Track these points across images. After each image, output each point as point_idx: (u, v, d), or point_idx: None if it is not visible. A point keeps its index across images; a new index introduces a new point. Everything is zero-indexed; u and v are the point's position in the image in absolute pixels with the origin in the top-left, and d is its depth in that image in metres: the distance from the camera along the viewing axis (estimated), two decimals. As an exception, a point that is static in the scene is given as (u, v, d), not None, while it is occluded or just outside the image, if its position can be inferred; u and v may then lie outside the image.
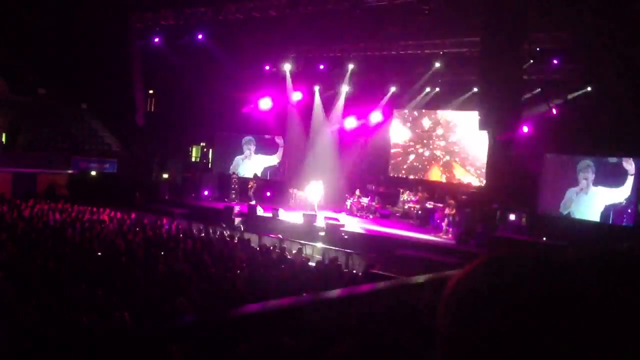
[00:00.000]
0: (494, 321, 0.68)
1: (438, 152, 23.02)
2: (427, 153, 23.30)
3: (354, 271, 13.88)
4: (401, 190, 21.78)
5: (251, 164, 24.96)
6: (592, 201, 17.60)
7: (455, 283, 0.76)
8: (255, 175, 23.52)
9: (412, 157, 23.71)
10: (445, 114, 22.84)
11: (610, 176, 17.36)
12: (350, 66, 22.29)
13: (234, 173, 24.02)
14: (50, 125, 24.60)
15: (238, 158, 25.23)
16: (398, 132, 24.22)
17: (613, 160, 17.43)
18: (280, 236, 16.88)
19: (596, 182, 17.59)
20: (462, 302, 0.73)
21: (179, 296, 8.22)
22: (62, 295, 8.15)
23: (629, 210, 16.74)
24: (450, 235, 17.48)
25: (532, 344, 0.65)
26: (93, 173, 23.94)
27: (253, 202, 21.21)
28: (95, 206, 17.94)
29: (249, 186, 22.58)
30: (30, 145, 22.97)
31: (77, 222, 15.18)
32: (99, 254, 11.57)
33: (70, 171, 23.38)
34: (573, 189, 18.00)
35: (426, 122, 23.51)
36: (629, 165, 16.93)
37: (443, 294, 0.77)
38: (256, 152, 25.12)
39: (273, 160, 24.99)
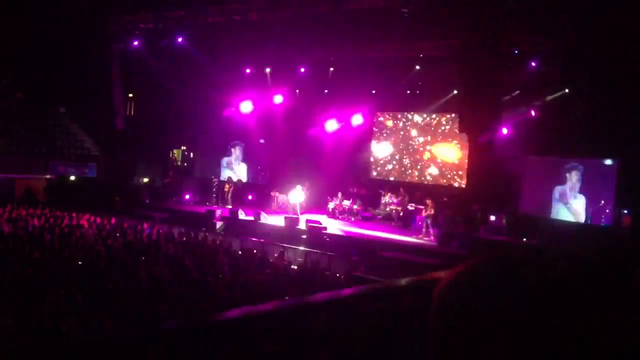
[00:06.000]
0: (485, 323, 0.68)
1: (419, 154, 23.13)
2: (408, 155, 23.39)
3: (337, 274, 13.89)
4: (383, 193, 21.84)
5: (235, 168, 24.89)
6: (571, 202, 17.79)
7: (446, 285, 0.76)
8: (230, 178, 23.45)
9: (393, 159, 23.80)
10: (426, 116, 22.96)
11: (590, 178, 17.58)
12: (331, 69, 22.33)
13: (215, 176, 23.92)
14: (28, 129, 24.27)
15: (222, 161, 25.15)
16: (379, 135, 24.30)
17: (593, 162, 17.65)
18: (262, 240, 16.84)
19: (575, 183, 17.78)
20: (453, 303, 0.73)
21: (160, 301, 8.16)
22: (41, 301, 8.04)
23: (607, 211, 16.96)
24: (431, 237, 17.56)
25: (525, 344, 0.65)
26: (72, 178, 23.67)
27: (230, 206, 21.20)
28: (74, 211, 17.74)
29: (226, 190, 22.60)
30: (7, 150, 22.64)
31: (56, 228, 15.00)
32: (78, 259, 11.43)
33: (48, 176, 23.10)
34: (553, 190, 18.18)
35: (407, 125, 23.61)
36: (608, 168, 17.14)
37: (434, 296, 0.76)
38: (242, 158, 25.10)
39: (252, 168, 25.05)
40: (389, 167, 23.94)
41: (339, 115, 23.13)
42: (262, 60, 22.92)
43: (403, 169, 23.54)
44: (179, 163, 27.83)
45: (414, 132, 23.37)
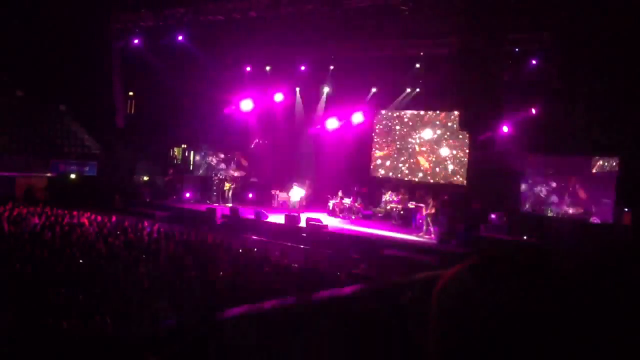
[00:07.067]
0: (485, 321, 0.68)
1: (419, 152, 23.11)
2: (408, 153, 23.38)
3: (337, 272, 13.89)
4: (383, 191, 21.85)
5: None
6: (571, 200, 17.80)
7: (445, 284, 0.76)
8: (232, 176, 23.48)
9: (393, 157, 23.79)
10: (427, 114, 22.95)
11: (590, 176, 17.61)
12: (332, 67, 22.30)
13: (215, 175, 23.93)
14: (29, 127, 24.26)
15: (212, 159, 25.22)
16: (379, 133, 24.29)
17: (593, 159, 17.68)
18: (263, 238, 16.84)
19: (576, 182, 17.79)
20: (453, 302, 0.73)
21: (160, 300, 8.16)
22: (42, 300, 8.04)
23: (608, 209, 16.98)
24: (432, 235, 17.56)
25: (523, 343, 0.65)
26: (73, 176, 23.67)
27: (230, 204, 21.23)
28: (75, 209, 17.73)
29: (226, 188, 22.62)
30: (8, 148, 22.62)
31: (57, 226, 14.99)
32: (79, 258, 11.43)
33: (49, 174, 23.09)
34: (553, 188, 18.19)
35: (407, 123, 23.59)
36: (608, 166, 17.17)
37: (433, 295, 0.77)
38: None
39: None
40: (389, 165, 23.93)
41: (340, 114, 23.13)
42: (262, 59, 22.91)
43: (403, 167, 23.52)
44: (179, 161, 27.82)
45: (414, 131, 23.35)
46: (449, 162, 22.30)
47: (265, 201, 22.53)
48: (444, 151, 22.43)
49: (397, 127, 23.84)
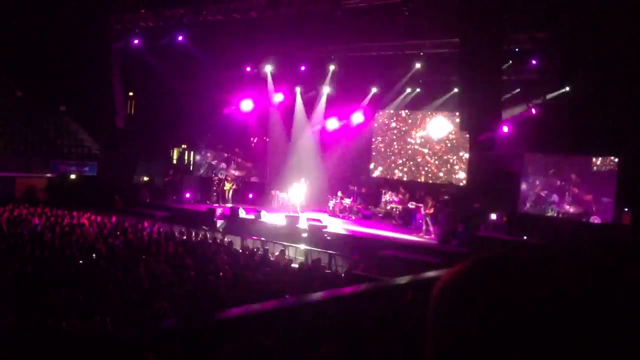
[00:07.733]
0: (485, 323, 0.68)
1: (419, 152, 23.11)
2: (407, 153, 23.38)
3: (337, 272, 13.91)
4: (383, 191, 21.84)
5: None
6: (571, 199, 17.81)
7: (444, 284, 0.76)
8: (232, 176, 23.50)
9: (393, 157, 23.79)
10: (427, 115, 22.94)
11: (591, 175, 17.62)
12: (332, 67, 22.30)
13: (215, 175, 23.94)
14: (29, 128, 24.28)
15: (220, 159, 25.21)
16: (379, 133, 24.29)
17: (594, 159, 17.70)
18: (263, 238, 16.85)
19: (575, 181, 17.80)
20: (452, 303, 0.73)
21: (160, 300, 8.17)
22: (42, 300, 8.05)
23: (608, 208, 16.99)
24: (432, 235, 17.55)
25: (523, 345, 0.65)
26: (72, 176, 23.69)
27: (230, 205, 21.24)
28: (75, 210, 17.75)
29: (226, 188, 22.63)
30: (8, 149, 22.64)
31: (57, 226, 15.01)
32: (79, 258, 11.43)
33: (49, 175, 23.11)
34: (553, 188, 18.20)
35: (407, 123, 23.59)
36: (608, 165, 17.19)
37: (432, 296, 0.76)
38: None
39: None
40: (389, 165, 23.92)
41: (340, 114, 23.14)
42: (262, 59, 22.91)
43: (403, 167, 23.52)
44: (177, 161, 27.82)
45: (414, 130, 23.36)
46: (448, 161, 22.29)
47: (265, 201, 22.52)
48: (444, 151, 22.42)
49: (397, 127, 23.85)
